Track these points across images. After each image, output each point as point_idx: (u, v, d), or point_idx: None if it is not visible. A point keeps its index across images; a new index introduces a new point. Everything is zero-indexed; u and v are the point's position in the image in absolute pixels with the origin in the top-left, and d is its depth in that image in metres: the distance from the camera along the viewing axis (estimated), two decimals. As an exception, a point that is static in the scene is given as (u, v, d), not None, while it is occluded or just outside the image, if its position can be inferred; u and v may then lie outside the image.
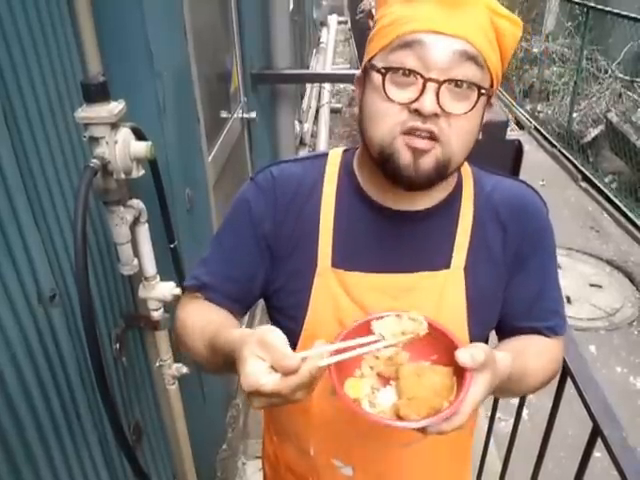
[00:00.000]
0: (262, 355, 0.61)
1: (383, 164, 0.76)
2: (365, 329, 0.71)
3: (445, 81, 0.70)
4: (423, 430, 0.64)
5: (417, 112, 0.71)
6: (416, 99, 0.70)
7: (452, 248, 0.84)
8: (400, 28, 0.72)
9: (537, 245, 0.88)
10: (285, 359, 0.59)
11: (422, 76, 0.70)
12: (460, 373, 0.66)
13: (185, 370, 1.41)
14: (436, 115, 0.71)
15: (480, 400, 0.66)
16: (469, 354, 0.65)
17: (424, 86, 0.70)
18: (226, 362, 0.70)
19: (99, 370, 1.01)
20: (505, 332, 0.92)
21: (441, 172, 0.75)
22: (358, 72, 0.83)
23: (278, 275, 0.87)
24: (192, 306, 0.89)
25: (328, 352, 0.64)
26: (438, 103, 0.70)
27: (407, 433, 0.83)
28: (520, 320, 0.89)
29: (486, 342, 0.91)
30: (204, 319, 0.84)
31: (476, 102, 0.73)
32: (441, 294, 0.84)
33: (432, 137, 0.72)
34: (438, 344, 0.71)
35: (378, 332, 0.71)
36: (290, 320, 0.87)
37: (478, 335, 0.86)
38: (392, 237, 0.84)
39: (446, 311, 0.84)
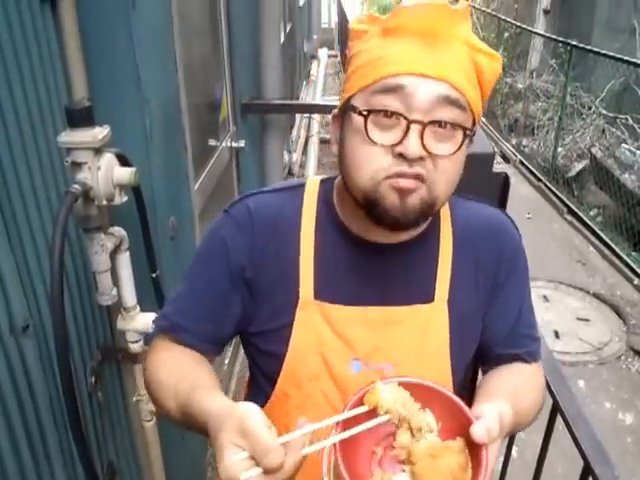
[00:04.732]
0: (242, 444, 0.56)
1: (369, 208, 0.74)
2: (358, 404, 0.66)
3: (429, 122, 0.69)
4: None
5: (401, 156, 0.69)
6: (400, 142, 0.69)
7: (434, 280, 0.83)
8: (380, 70, 0.70)
9: (513, 269, 0.88)
10: (269, 455, 0.54)
11: (406, 118, 0.69)
12: (472, 442, 0.63)
13: (164, 405, 1.35)
14: (421, 158, 0.69)
15: (494, 465, 0.63)
16: (485, 430, 0.62)
17: (408, 128, 0.69)
18: (201, 430, 0.66)
19: (72, 405, 0.96)
20: (485, 359, 0.91)
21: (426, 212, 0.74)
22: (335, 110, 0.80)
23: (257, 314, 0.83)
24: (163, 355, 0.83)
25: (311, 434, 0.59)
26: (423, 145, 0.69)
27: None
28: (501, 346, 0.89)
29: (467, 372, 0.87)
30: (177, 374, 0.78)
31: (461, 143, 0.72)
32: (425, 328, 0.82)
33: (419, 178, 0.71)
34: (443, 410, 0.67)
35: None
36: (270, 358, 0.83)
37: (459, 366, 0.85)
38: (374, 269, 0.82)
39: (430, 345, 0.82)
